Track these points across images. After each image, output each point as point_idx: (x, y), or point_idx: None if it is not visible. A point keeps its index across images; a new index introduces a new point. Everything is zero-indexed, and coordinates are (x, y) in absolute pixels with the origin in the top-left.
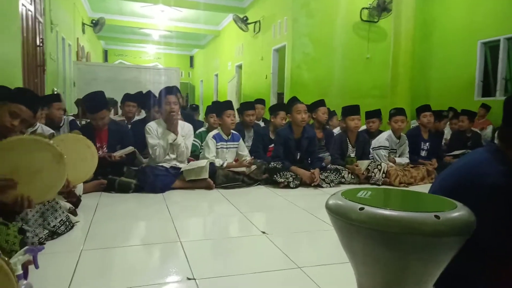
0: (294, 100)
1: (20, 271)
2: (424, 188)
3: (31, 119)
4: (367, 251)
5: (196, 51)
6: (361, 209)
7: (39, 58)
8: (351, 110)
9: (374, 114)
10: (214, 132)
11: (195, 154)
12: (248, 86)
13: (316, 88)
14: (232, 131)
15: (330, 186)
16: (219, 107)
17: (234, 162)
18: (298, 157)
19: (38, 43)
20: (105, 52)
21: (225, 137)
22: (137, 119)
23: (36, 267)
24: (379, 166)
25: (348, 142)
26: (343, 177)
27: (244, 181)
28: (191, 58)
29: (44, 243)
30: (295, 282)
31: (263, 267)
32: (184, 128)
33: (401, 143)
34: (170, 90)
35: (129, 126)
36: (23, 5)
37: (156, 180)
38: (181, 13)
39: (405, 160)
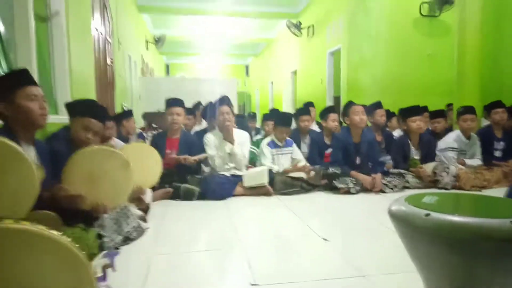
0: (350, 103)
1: (100, 274)
2: (499, 192)
3: (101, 130)
4: (433, 257)
5: (251, 60)
6: (427, 215)
7: (109, 76)
8: (411, 112)
9: (438, 114)
10: (268, 139)
11: (254, 161)
12: (303, 91)
13: (374, 89)
14: (287, 137)
15: (394, 191)
16: (273, 116)
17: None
18: (358, 161)
19: (108, 62)
20: (167, 67)
21: (278, 143)
22: (198, 130)
23: (114, 270)
24: (447, 169)
25: (411, 145)
26: (407, 181)
27: (302, 187)
28: (247, 67)
29: (119, 248)
30: None
31: (326, 275)
32: (240, 136)
33: (472, 143)
34: (222, 100)
35: None
36: (95, 28)
37: (218, 188)
38: (234, 22)
39: (476, 162)
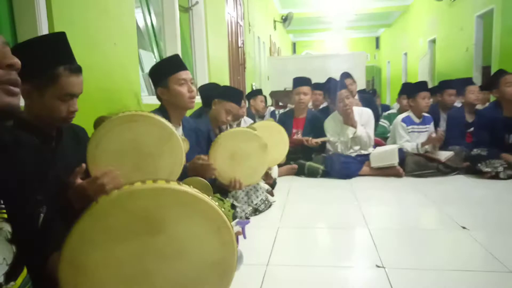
0: (501, 72)
1: None
2: None
3: (238, 113)
4: None
5: (382, 31)
6: None
7: (240, 58)
8: None
9: None
10: (404, 115)
11: (384, 136)
12: (443, 62)
13: None
14: (424, 113)
15: None
16: (412, 88)
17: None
18: (510, 141)
19: (239, 44)
20: (293, 45)
21: (416, 120)
22: (323, 107)
23: (244, 237)
24: None
25: None
26: None
27: (439, 169)
28: (377, 39)
29: (249, 218)
30: (504, 287)
31: (463, 265)
32: (363, 115)
33: None
34: (340, 83)
35: None
36: (228, 12)
37: (343, 167)
38: None
39: None
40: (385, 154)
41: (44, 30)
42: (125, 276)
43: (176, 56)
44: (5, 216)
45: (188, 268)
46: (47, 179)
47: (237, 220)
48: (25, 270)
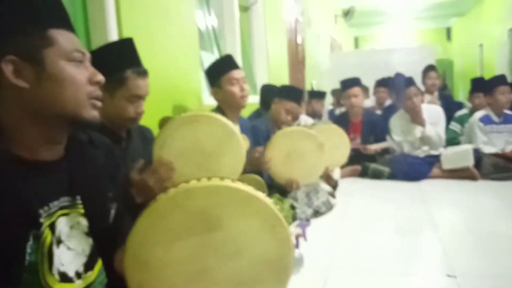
0: None
1: (293, 241)
2: None
3: (298, 112)
4: None
5: (454, 21)
6: None
7: (300, 55)
8: None
9: None
10: (481, 113)
11: (454, 142)
12: None
13: None
14: (506, 111)
15: None
16: (489, 84)
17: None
18: None
19: (299, 41)
20: (356, 40)
21: (495, 118)
22: (388, 105)
23: (305, 239)
24: None
25: None
26: None
27: None
28: (448, 30)
29: (309, 220)
30: None
31: None
32: (432, 113)
33: None
34: (409, 81)
35: (380, 112)
36: (287, 9)
37: (411, 169)
38: None
39: None
40: (459, 155)
41: (113, 36)
42: (187, 272)
43: (228, 56)
44: (82, 211)
45: (245, 265)
46: (118, 177)
47: (297, 222)
48: (99, 262)
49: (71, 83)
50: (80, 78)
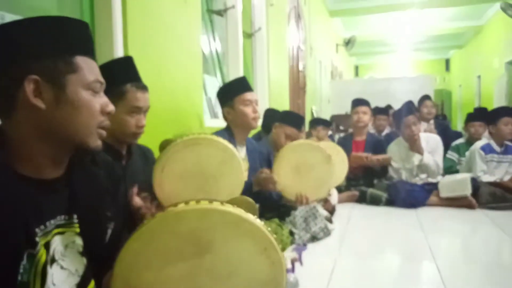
0: None
1: (289, 266)
2: None
3: (297, 138)
4: None
5: (453, 53)
6: None
7: (301, 81)
8: None
9: None
10: (483, 141)
11: (452, 170)
12: None
13: None
14: (507, 142)
15: None
16: (493, 114)
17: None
18: None
19: (300, 68)
20: (356, 68)
21: (497, 148)
22: (389, 132)
23: (301, 264)
24: None
25: None
26: None
27: None
28: (447, 61)
29: (306, 245)
30: None
31: None
32: (430, 141)
33: None
34: (409, 109)
35: None
36: (290, 37)
37: (408, 195)
38: (433, 15)
39: None
40: (457, 183)
41: (119, 54)
42: None
43: (243, 78)
44: (78, 230)
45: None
46: (117, 196)
47: (293, 245)
48: (92, 282)
49: (87, 111)
50: (96, 107)
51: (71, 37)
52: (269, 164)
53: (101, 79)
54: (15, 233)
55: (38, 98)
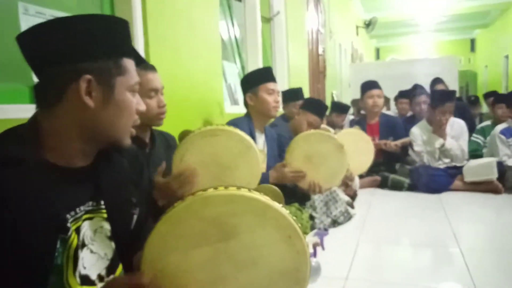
0: None
1: (311, 250)
2: None
3: (319, 126)
4: None
5: (478, 32)
6: None
7: (321, 65)
8: None
9: None
10: (502, 126)
11: (477, 154)
12: None
13: None
14: None
15: None
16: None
17: None
18: None
19: (320, 52)
20: (377, 50)
21: None
22: (409, 115)
23: (323, 248)
24: None
25: None
26: None
27: None
28: (472, 41)
29: (327, 229)
30: None
31: None
32: (454, 126)
33: None
34: (449, 96)
35: None
36: (309, 21)
37: (431, 180)
38: None
39: None
40: (482, 167)
41: (140, 45)
42: (202, 280)
43: (269, 68)
44: (105, 215)
45: (261, 275)
46: (142, 183)
47: (315, 230)
48: (120, 266)
49: (129, 112)
50: (134, 108)
51: (119, 38)
52: None
53: (138, 79)
54: (49, 220)
55: (88, 97)
